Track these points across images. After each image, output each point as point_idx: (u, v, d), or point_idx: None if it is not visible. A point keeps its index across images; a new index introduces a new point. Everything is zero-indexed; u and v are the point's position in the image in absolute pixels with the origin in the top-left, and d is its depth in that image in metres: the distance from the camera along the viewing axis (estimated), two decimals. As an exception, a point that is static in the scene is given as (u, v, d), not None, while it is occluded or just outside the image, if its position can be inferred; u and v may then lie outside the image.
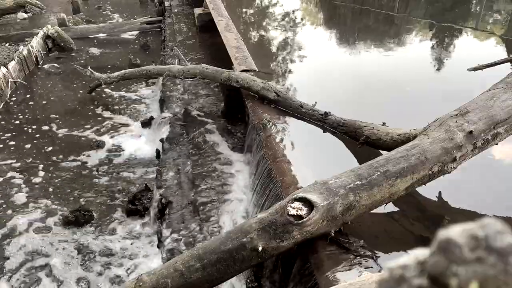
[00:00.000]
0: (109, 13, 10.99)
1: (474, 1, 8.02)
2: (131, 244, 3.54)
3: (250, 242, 2.00)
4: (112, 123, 5.56)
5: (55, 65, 7.53)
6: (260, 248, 1.98)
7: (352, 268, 1.97)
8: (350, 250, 2.08)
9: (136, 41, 8.78)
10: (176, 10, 8.77)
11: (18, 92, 6.42)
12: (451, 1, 8.02)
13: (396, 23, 6.95)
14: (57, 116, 5.73)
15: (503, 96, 2.60)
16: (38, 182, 4.39)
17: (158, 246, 3.31)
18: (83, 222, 3.78)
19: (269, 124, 3.40)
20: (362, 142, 2.97)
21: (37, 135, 5.29)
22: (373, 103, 3.88)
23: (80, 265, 3.37)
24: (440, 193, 2.58)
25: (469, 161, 2.42)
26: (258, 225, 2.03)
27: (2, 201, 4.11)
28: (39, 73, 7.22)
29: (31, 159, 4.79)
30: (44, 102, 6.16)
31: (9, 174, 4.51)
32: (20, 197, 4.16)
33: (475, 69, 3.48)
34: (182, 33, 7.33)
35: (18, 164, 4.69)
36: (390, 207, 2.38)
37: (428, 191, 2.53)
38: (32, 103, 6.12)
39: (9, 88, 6.29)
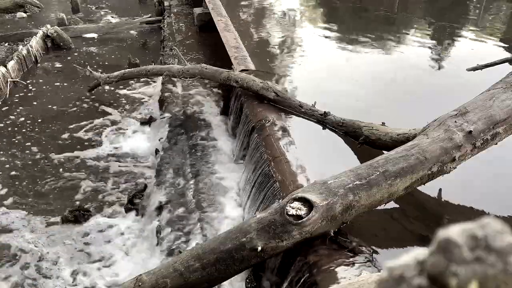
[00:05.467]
0: (108, 12, 10.97)
1: (474, 1, 8.03)
2: (130, 242, 3.54)
3: (249, 242, 2.00)
4: (111, 122, 5.55)
5: (54, 64, 7.52)
6: (259, 248, 1.98)
7: (351, 268, 1.98)
8: (350, 250, 2.08)
9: (136, 41, 8.77)
10: (175, 10, 8.76)
11: (17, 91, 6.41)
12: (451, 1, 8.02)
13: (396, 22, 6.95)
14: (56, 115, 5.72)
15: (502, 96, 2.60)
16: (37, 181, 4.38)
17: (157, 245, 3.30)
18: (82, 222, 3.78)
19: (268, 123, 3.40)
20: (362, 142, 2.97)
21: (36, 134, 5.28)
22: (373, 102, 3.88)
23: (78, 263, 3.37)
24: (440, 192, 2.58)
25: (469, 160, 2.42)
26: (257, 225, 2.03)
27: (0, 200, 4.11)
28: (38, 72, 7.21)
29: (29, 158, 4.78)
30: (43, 101, 6.15)
31: (8, 174, 4.51)
32: (19, 196, 4.16)
33: (474, 69, 3.49)
34: (182, 33, 7.33)
35: (16, 163, 4.68)
36: (390, 207, 2.39)
37: (428, 190, 2.53)
38: (31, 102, 6.11)
39: (8, 87, 6.28)
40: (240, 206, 3.37)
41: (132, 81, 6.44)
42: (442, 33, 6.18)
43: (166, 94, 5.26)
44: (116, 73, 5.77)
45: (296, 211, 1.97)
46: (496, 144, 2.52)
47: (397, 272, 0.43)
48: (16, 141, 5.14)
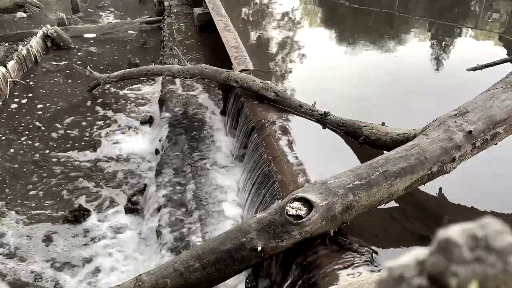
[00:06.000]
0: (108, 12, 10.97)
1: (474, 1, 8.03)
2: (130, 243, 3.54)
3: (249, 242, 2.00)
4: (111, 122, 5.55)
5: (54, 64, 7.51)
6: (259, 248, 1.98)
7: (351, 268, 1.97)
8: (350, 250, 2.08)
9: (136, 41, 8.77)
10: (175, 10, 8.76)
11: (17, 91, 6.41)
12: (451, 1, 8.02)
13: (396, 22, 6.95)
14: (56, 115, 5.72)
15: (502, 96, 2.60)
16: (37, 181, 4.38)
17: (157, 245, 3.30)
18: (82, 221, 3.78)
19: (267, 123, 3.40)
20: (362, 142, 2.97)
21: (36, 134, 5.28)
22: (373, 102, 3.88)
23: (77, 263, 3.37)
24: (440, 192, 2.58)
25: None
26: (257, 225, 2.03)
27: (0, 199, 4.10)
28: (38, 72, 7.21)
29: (29, 158, 4.78)
30: (43, 101, 6.15)
31: (8, 173, 4.51)
32: (18, 196, 4.16)
33: (474, 69, 3.49)
34: (182, 32, 7.33)
35: (16, 163, 4.68)
36: (390, 206, 2.39)
37: (428, 190, 2.53)
38: (31, 102, 6.11)
39: (8, 88, 6.28)
40: (240, 206, 3.37)
41: (132, 81, 6.44)
42: (442, 33, 6.18)
43: (166, 94, 5.26)
44: (116, 73, 5.77)
45: (296, 211, 1.97)
46: (496, 144, 2.52)
47: (397, 272, 0.43)
48: (16, 141, 5.14)
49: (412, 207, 2.49)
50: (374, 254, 2.06)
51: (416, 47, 5.64)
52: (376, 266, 1.98)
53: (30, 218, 3.87)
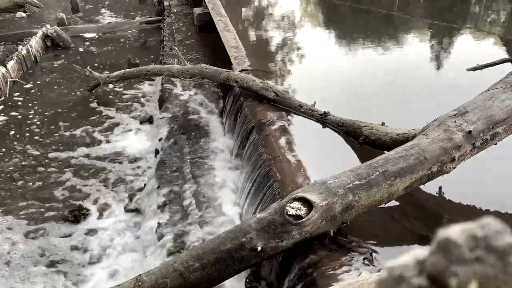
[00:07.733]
0: (108, 12, 10.97)
1: (474, 1, 8.03)
2: (130, 242, 3.54)
3: (249, 242, 2.00)
4: (111, 122, 5.55)
5: (54, 64, 7.51)
6: (259, 248, 1.98)
7: (351, 268, 1.97)
8: (349, 250, 2.08)
9: (136, 41, 8.77)
10: (175, 10, 8.77)
11: (17, 91, 6.41)
12: (451, 1, 8.02)
13: (395, 22, 6.95)
14: (55, 114, 5.72)
15: (502, 96, 2.60)
16: (37, 181, 4.38)
17: (156, 245, 3.30)
18: (82, 221, 3.78)
19: (267, 123, 3.40)
20: (362, 142, 2.97)
21: (36, 134, 5.28)
22: (373, 102, 3.88)
23: (77, 263, 3.36)
24: (439, 192, 2.58)
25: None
26: (257, 225, 2.03)
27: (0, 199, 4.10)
28: (37, 72, 7.21)
29: (29, 157, 4.78)
30: (43, 101, 6.15)
31: (8, 173, 4.51)
32: (18, 196, 4.15)
33: (474, 69, 3.49)
34: (181, 32, 7.33)
35: (15, 163, 4.68)
36: (390, 206, 2.39)
37: (427, 190, 2.53)
38: (31, 102, 6.11)
39: (7, 87, 6.28)
40: (239, 206, 3.37)
41: (132, 81, 6.44)
42: (442, 33, 6.18)
43: (166, 94, 5.26)
44: (115, 73, 5.77)
45: (296, 211, 1.97)
46: (496, 144, 2.52)
47: (397, 272, 0.43)
48: (16, 141, 5.14)
49: (412, 207, 2.49)
50: (374, 254, 2.06)
51: (415, 47, 5.63)
52: (376, 266, 1.98)
53: (29, 218, 3.87)
